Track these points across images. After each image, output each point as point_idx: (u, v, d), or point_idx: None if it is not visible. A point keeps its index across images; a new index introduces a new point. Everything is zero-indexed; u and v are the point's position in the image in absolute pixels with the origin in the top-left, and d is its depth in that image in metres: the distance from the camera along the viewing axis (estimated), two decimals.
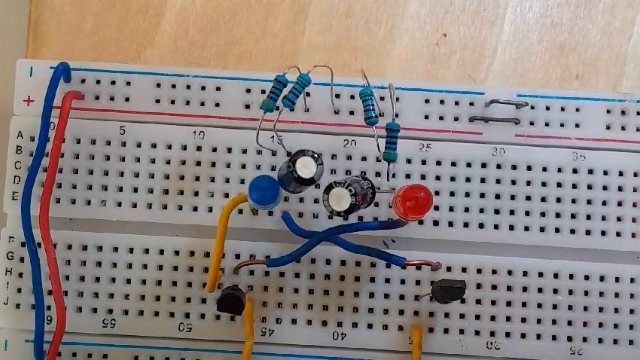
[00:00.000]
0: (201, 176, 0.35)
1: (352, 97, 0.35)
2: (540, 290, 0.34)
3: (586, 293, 0.35)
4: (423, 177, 0.35)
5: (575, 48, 0.40)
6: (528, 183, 0.35)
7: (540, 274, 0.35)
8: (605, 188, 0.35)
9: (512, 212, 0.35)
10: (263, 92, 0.35)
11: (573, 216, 0.35)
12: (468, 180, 0.35)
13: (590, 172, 0.35)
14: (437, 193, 0.35)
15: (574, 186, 0.35)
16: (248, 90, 0.35)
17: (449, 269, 0.35)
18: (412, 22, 0.40)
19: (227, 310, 0.32)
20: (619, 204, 0.35)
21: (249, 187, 0.29)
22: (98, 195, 0.35)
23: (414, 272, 0.34)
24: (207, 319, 0.34)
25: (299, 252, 0.33)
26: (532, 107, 0.35)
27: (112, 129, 0.35)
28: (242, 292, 0.33)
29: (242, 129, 0.35)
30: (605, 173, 0.35)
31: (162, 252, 0.35)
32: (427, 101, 0.35)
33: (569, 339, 0.34)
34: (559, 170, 0.35)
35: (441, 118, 0.35)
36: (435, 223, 0.35)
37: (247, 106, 0.35)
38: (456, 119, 0.35)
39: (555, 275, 0.35)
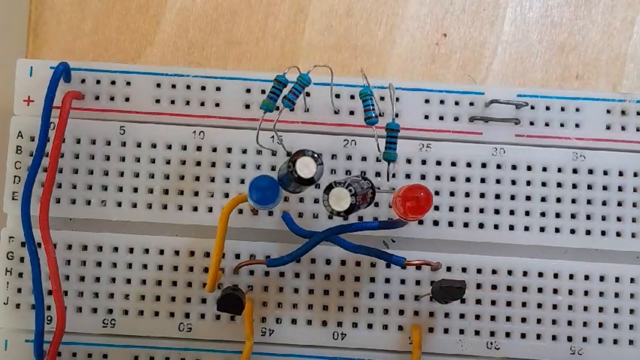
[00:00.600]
0: (201, 176, 0.35)
1: (352, 97, 0.35)
2: (540, 290, 0.34)
3: (586, 293, 0.35)
4: (423, 177, 0.35)
5: (575, 48, 0.40)
6: (528, 183, 0.35)
7: (540, 274, 0.35)
8: (605, 188, 0.35)
9: (512, 212, 0.35)
10: (263, 92, 0.35)
11: (573, 216, 0.35)
12: (468, 180, 0.35)
13: (590, 172, 0.35)
14: (437, 193, 0.35)
15: (574, 186, 0.35)
16: (248, 90, 0.35)
17: (449, 269, 0.35)
18: (412, 22, 0.40)
19: (227, 310, 0.32)
20: (619, 204, 0.35)
21: (249, 187, 0.29)
22: (98, 195, 0.35)
23: (414, 272, 0.34)
24: (207, 319, 0.34)
25: (299, 252, 0.33)
26: (532, 107, 0.35)
27: (112, 129, 0.35)
28: (242, 292, 0.33)
29: (242, 129, 0.35)
30: (605, 173, 0.35)
31: (162, 252, 0.35)
32: (427, 101, 0.35)
33: (569, 339, 0.34)
34: (559, 170, 0.35)
35: (441, 118, 0.35)
36: (435, 223, 0.35)
37: (247, 106, 0.35)
38: (456, 119, 0.35)
39: (555, 275, 0.35)
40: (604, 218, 0.35)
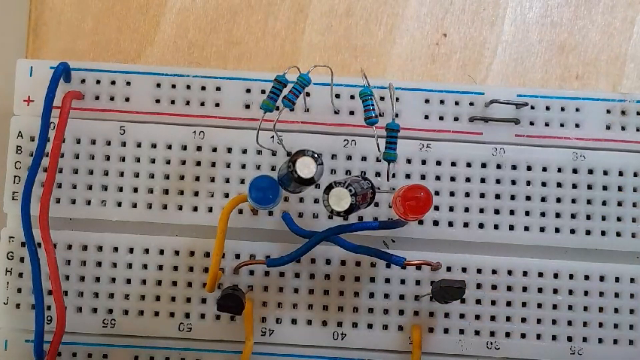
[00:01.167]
0: (201, 176, 0.35)
1: (352, 97, 0.35)
2: (540, 290, 0.34)
3: (586, 293, 0.35)
4: (423, 177, 0.35)
5: (575, 48, 0.40)
6: (528, 183, 0.35)
7: (540, 274, 0.35)
8: (605, 188, 0.35)
9: (512, 212, 0.35)
10: (263, 92, 0.35)
11: (573, 216, 0.35)
12: (468, 180, 0.35)
13: (590, 172, 0.35)
14: (437, 193, 0.35)
15: (574, 186, 0.35)
16: (248, 90, 0.35)
17: (449, 269, 0.35)
18: (412, 22, 0.40)
19: (227, 310, 0.32)
20: (619, 204, 0.35)
21: (249, 187, 0.29)
22: (98, 195, 0.35)
23: (414, 272, 0.34)
24: (207, 319, 0.34)
25: (299, 252, 0.33)
26: (532, 107, 0.35)
27: (112, 129, 0.35)
28: (242, 292, 0.33)
29: (242, 129, 0.35)
30: (605, 173, 0.35)
31: (162, 252, 0.35)
32: (427, 101, 0.35)
33: (569, 339, 0.34)
34: (559, 170, 0.35)
35: (441, 118, 0.35)
36: (435, 223, 0.35)
37: (247, 106, 0.35)
38: (456, 119, 0.35)
39: (555, 275, 0.35)
40: (603, 218, 0.35)
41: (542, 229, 0.35)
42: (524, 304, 0.34)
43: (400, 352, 0.34)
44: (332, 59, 0.39)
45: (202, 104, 0.35)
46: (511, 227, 0.35)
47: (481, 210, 0.35)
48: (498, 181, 0.35)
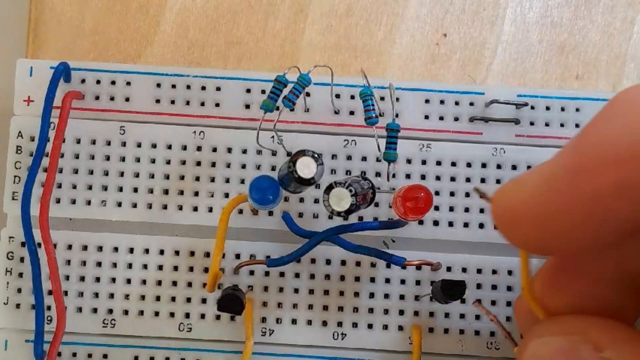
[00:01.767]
0: (201, 176, 0.35)
1: (352, 97, 0.35)
2: None
3: None
4: (423, 177, 0.35)
5: (575, 48, 0.40)
6: None
7: None
8: None
9: None
10: (263, 92, 0.35)
11: None
12: (468, 180, 0.35)
13: None
14: (437, 193, 0.35)
15: None
16: (248, 90, 0.35)
17: (449, 269, 0.35)
18: (412, 22, 0.40)
19: (227, 310, 0.32)
20: None
21: (249, 187, 0.29)
22: (98, 195, 0.35)
23: (414, 272, 0.34)
24: (207, 319, 0.34)
25: (299, 252, 0.33)
26: (532, 107, 0.35)
27: (112, 129, 0.35)
28: (242, 292, 0.33)
29: (242, 129, 0.35)
30: None
31: (162, 252, 0.35)
32: (427, 101, 0.35)
33: None
34: None
35: (441, 118, 0.35)
36: (435, 223, 0.35)
37: (247, 106, 0.35)
38: (456, 119, 0.35)
39: None
40: None
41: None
42: None
43: (400, 352, 0.34)
44: (332, 59, 0.39)
45: (202, 104, 0.35)
46: None
47: (481, 211, 0.35)
48: (498, 181, 0.35)
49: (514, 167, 0.35)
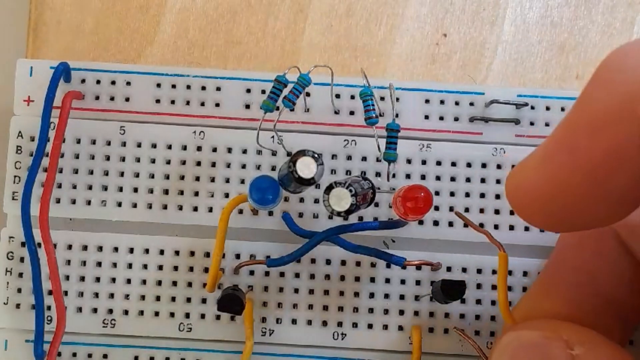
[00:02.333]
0: (201, 176, 0.35)
1: (352, 97, 0.35)
2: None
3: None
4: (423, 177, 0.35)
5: (575, 48, 0.40)
6: None
7: None
8: None
9: (512, 212, 0.35)
10: (263, 92, 0.35)
11: None
12: (468, 180, 0.35)
13: None
14: (437, 193, 0.35)
15: None
16: (248, 90, 0.35)
17: (449, 269, 0.35)
18: (412, 22, 0.40)
19: (227, 310, 0.32)
20: None
21: (249, 187, 0.29)
22: (98, 195, 0.35)
23: (414, 272, 0.34)
24: (207, 319, 0.34)
25: (299, 252, 0.33)
26: (532, 107, 0.35)
27: (112, 129, 0.35)
28: (242, 292, 0.33)
29: (242, 129, 0.35)
30: None
31: (162, 252, 0.35)
32: (427, 101, 0.35)
33: None
34: None
35: (441, 118, 0.35)
36: (435, 223, 0.35)
37: (247, 106, 0.35)
38: (456, 119, 0.35)
39: None
40: None
41: (542, 229, 0.35)
42: None
43: (400, 352, 0.34)
44: (332, 59, 0.39)
45: (202, 104, 0.35)
46: (511, 227, 0.35)
47: (481, 211, 0.35)
48: (498, 181, 0.35)
49: (514, 167, 0.35)
